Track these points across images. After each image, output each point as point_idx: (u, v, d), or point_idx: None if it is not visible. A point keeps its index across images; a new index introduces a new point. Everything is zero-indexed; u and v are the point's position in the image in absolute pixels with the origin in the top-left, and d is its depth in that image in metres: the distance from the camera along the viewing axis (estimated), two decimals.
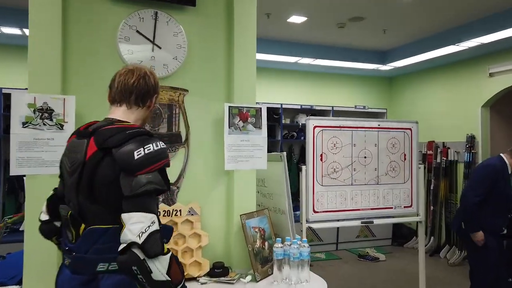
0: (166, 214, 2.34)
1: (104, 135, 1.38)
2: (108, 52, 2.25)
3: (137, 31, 2.29)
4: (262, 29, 4.88)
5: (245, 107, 2.51)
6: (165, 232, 1.50)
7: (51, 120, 2.07)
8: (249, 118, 2.52)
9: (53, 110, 2.06)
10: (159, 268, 1.27)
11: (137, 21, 2.29)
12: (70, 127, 2.09)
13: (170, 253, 1.33)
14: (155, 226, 1.33)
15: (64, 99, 2.09)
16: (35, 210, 1.90)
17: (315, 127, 3.38)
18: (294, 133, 6.35)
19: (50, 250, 1.92)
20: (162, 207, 2.34)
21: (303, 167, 3.32)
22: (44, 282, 1.98)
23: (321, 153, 3.42)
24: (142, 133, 1.41)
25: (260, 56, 5.57)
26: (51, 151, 2.06)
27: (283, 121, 6.20)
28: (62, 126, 2.09)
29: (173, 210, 2.37)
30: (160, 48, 2.34)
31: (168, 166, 1.46)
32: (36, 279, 2.01)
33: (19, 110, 2.01)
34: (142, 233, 1.27)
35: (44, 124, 2.05)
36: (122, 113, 1.49)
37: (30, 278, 2.01)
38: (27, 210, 2.05)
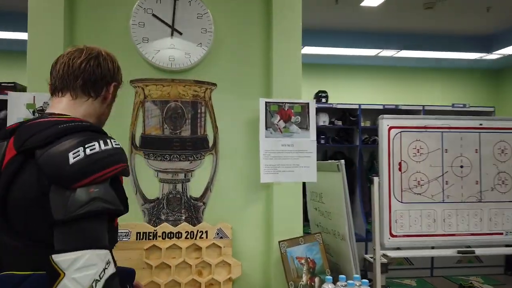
0: (189, 236, 1.90)
1: (25, 133, 0.96)
2: (121, 42, 1.90)
3: (153, 15, 1.91)
4: (329, 17, 4.25)
5: (287, 102, 1.96)
6: (125, 277, 1.05)
7: None
8: (292, 117, 1.97)
9: None
10: None
11: (153, 2, 1.91)
12: None
13: None
14: (111, 268, 0.90)
15: None
16: None
17: (390, 128, 2.66)
18: (376, 138, 5.53)
19: None
20: (184, 227, 1.90)
21: (375, 179, 2.63)
22: None
23: (400, 161, 2.67)
24: (83, 128, 0.98)
25: (329, 51, 4.94)
26: None
27: (362, 124, 5.44)
28: None
29: (197, 231, 1.92)
30: (180, 34, 1.93)
31: (126, 174, 1.00)
32: None
33: (16, 112, 1.75)
34: (96, 281, 0.85)
35: None
36: (65, 105, 1.06)
37: None
38: None
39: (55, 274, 0.84)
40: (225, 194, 1.98)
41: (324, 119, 5.10)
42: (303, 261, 1.89)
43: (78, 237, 0.88)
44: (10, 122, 1.75)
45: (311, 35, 4.70)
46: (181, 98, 1.95)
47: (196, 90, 1.96)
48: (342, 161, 2.03)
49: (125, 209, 1.01)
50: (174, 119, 1.94)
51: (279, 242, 1.85)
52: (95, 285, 0.84)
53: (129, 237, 1.87)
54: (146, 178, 1.92)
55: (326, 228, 2.23)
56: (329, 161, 2.23)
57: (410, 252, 2.78)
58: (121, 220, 1.82)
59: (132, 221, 1.88)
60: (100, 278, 0.85)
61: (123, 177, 1.05)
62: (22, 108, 1.75)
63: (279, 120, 1.95)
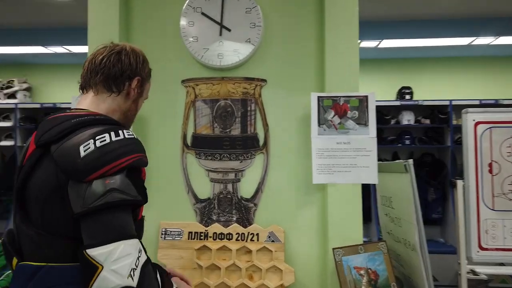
0: (239, 238, 1.84)
1: (43, 127, 0.99)
2: (173, 43, 1.93)
3: (202, 13, 1.90)
4: (411, 5, 3.87)
5: (343, 96, 1.79)
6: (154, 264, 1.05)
7: None
8: (348, 112, 1.79)
9: None
10: None
11: (202, 0, 1.90)
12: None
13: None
14: (143, 256, 0.93)
15: None
16: None
17: (477, 123, 2.29)
18: None
19: None
20: (235, 228, 1.85)
21: (459, 183, 2.28)
22: None
23: (490, 161, 2.28)
24: (96, 121, 0.98)
25: (412, 43, 4.50)
26: None
27: (454, 122, 4.85)
28: None
29: (248, 233, 1.84)
30: (229, 30, 1.89)
31: (143, 165, 0.99)
32: None
33: None
34: (133, 270, 0.88)
35: None
36: (89, 102, 1.07)
37: None
38: None
39: (93, 267, 0.85)
40: (277, 195, 1.88)
41: (409, 118, 4.66)
42: (362, 271, 1.70)
43: (106, 230, 0.89)
44: None
45: (390, 27, 4.34)
46: (230, 96, 1.91)
47: (245, 87, 1.90)
48: (410, 160, 1.78)
49: (144, 199, 0.98)
50: (224, 117, 1.91)
51: (333, 249, 1.68)
52: (133, 274, 0.86)
53: (181, 236, 1.87)
54: (198, 177, 1.91)
55: (397, 237, 1.99)
56: (396, 161, 1.99)
57: (506, 269, 2.36)
58: (174, 219, 1.84)
59: (184, 220, 1.89)
60: (136, 266, 0.87)
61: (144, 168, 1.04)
62: None
63: (333, 116, 1.79)
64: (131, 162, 0.95)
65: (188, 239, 1.87)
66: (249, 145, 1.89)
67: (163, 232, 1.88)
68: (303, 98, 1.83)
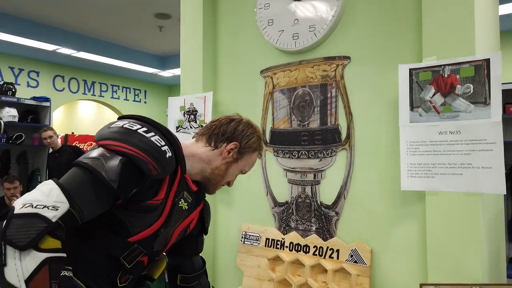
0: (317, 253, 1.52)
1: None
2: (252, 34, 1.78)
3: None
4: None
5: (449, 64, 1.23)
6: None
7: (196, 122, 1.88)
8: (457, 86, 1.22)
9: (197, 111, 1.87)
10: (19, 267, 0.78)
11: None
12: None
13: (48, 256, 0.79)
14: (50, 212, 0.81)
15: (205, 97, 1.84)
16: None
17: None
18: None
19: None
20: (313, 240, 1.54)
21: None
22: None
23: None
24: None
25: None
26: None
27: None
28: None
29: (327, 248, 1.51)
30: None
31: (143, 167, 0.88)
32: None
33: (174, 115, 1.97)
34: (26, 205, 0.81)
35: (190, 127, 1.90)
36: (188, 143, 1.08)
37: None
38: None
39: None
40: (364, 203, 1.46)
41: None
42: None
43: (66, 175, 0.88)
44: (170, 122, 1.98)
45: None
46: (309, 82, 1.60)
47: (325, 69, 1.56)
48: None
49: (114, 188, 0.86)
50: (302, 108, 1.62)
51: (421, 285, 1.16)
52: (23, 207, 0.79)
53: (259, 242, 1.70)
54: (276, 178, 1.69)
55: None
56: None
57: None
58: (254, 222, 1.70)
59: (264, 224, 1.71)
60: (31, 206, 0.79)
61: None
62: (177, 111, 1.95)
63: (434, 94, 1.25)
64: (130, 153, 0.88)
65: (265, 246, 1.67)
66: (329, 139, 1.55)
67: (243, 236, 1.74)
68: (395, 75, 1.36)
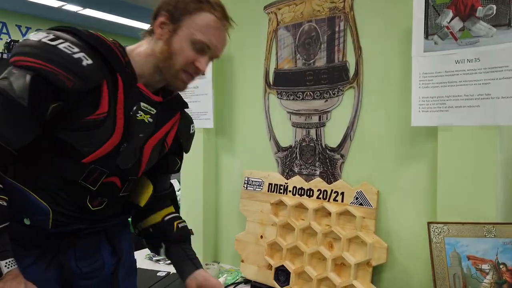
0: (321, 196, 1.46)
1: None
2: None
3: None
4: None
5: None
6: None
7: None
8: (479, 8, 1.09)
9: None
10: None
11: None
12: (209, 72, 1.72)
13: None
14: None
15: None
16: (189, 163, 1.78)
17: None
18: None
19: None
20: (317, 184, 1.48)
21: None
22: None
23: None
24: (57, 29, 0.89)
25: None
26: (196, 101, 1.79)
27: None
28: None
29: (331, 191, 1.44)
30: None
31: (59, 84, 0.80)
32: None
33: None
34: None
35: None
36: (135, 45, 0.99)
37: None
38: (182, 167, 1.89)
39: None
40: (371, 144, 1.37)
41: None
42: (486, 266, 1.05)
43: None
44: None
45: None
46: (315, 16, 1.49)
47: (333, 0, 1.44)
48: None
49: (31, 108, 0.80)
50: (308, 45, 1.51)
51: (429, 223, 1.10)
52: None
53: (261, 187, 1.64)
54: (279, 122, 1.61)
55: None
56: None
57: None
58: (257, 168, 1.64)
59: (266, 170, 1.65)
60: None
61: None
62: None
63: (451, 19, 1.13)
64: (38, 67, 0.80)
65: (268, 191, 1.62)
66: (336, 78, 1.45)
67: (246, 182, 1.69)
68: (410, 2, 1.23)
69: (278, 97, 1.61)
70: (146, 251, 1.93)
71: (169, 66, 0.94)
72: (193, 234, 1.20)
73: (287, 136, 1.59)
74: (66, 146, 0.87)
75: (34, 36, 0.84)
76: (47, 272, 0.94)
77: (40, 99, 0.81)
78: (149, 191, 1.09)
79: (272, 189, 1.61)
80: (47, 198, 0.90)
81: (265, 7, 1.63)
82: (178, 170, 1.20)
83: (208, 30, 0.93)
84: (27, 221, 0.91)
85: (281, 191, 1.58)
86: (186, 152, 1.17)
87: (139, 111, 0.93)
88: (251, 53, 1.70)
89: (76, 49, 0.84)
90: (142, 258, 1.93)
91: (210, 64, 1.63)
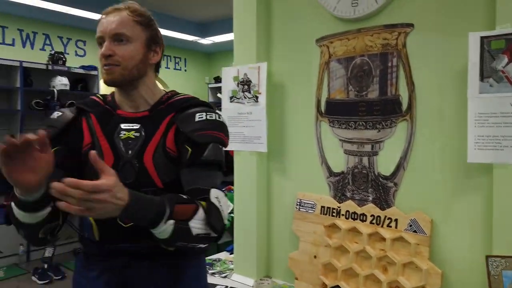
0: (374, 221, 1.56)
1: None
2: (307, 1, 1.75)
3: None
4: None
5: None
6: None
7: (250, 92, 1.90)
8: None
9: (251, 81, 1.89)
10: None
11: None
12: (263, 99, 1.83)
13: None
14: None
15: (259, 67, 1.85)
16: (243, 184, 1.96)
17: None
18: None
19: None
20: (370, 209, 1.57)
21: None
22: None
23: None
24: None
25: None
26: (250, 126, 1.90)
27: None
28: (257, 98, 1.87)
29: (385, 217, 1.54)
30: None
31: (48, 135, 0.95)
32: None
33: (228, 85, 2.00)
34: None
35: (244, 97, 1.93)
36: None
37: None
38: (236, 185, 2.02)
39: None
40: (424, 175, 1.45)
41: None
42: None
43: None
44: (224, 93, 2.01)
45: None
46: (368, 51, 1.57)
47: (386, 37, 1.52)
48: None
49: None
50: (360, 78, 1.60)
51: (488, 257, 1.18)
52: None
53: (314, 209, 1.75)
54: (331, 148, 1.71)
55: None
56: None
57: None
58: (308, 190, 1.75)
59: (318, 193, 1.75)
60: None
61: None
62: (231, 81, 1.98)
63: (507, 63, 1.20)
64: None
65: (321, 213, 1.72)
66: (389, 110, 1.53)
67: (298, 203, 1.80)
68: (464, 44, 1.30)
69: (330, 125, 1.71)
70: None
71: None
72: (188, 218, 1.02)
73: (339, 162, 1.69)
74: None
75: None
76: (106, 286, 1.09)
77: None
78: None
79: (325, 212, 1.71)
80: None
81: (317, 40, 1.72)
82: (194, 162, 1.08)
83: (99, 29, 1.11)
84: (85, 234, 1.13)
85: (333, 214, 1.69)
86: (195, 140, 1.08)
87: (122, 132, 1.10)
88: (303, 82, 1.80)
89: (56, 113, 1.16)
90: None
91: (264, 93, 1.77)
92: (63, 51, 5.13)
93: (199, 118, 1.10)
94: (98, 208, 0.81)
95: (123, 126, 1.10)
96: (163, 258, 1.10)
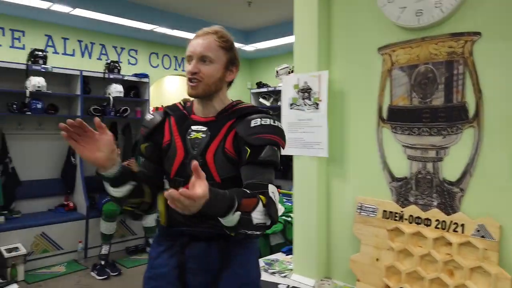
0: (439, 226, 1.59)
1: None
2: (370, 10, 1.81)
3: None
4: None
5: None
6: None
7: (310, 99, 1.98)
8: None
9: (311, 89, 1.97)
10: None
11: None
12: (324, 106, 1.91)
13: None
14: None
15: (319, 75, 1.93)
16: (302, 188, 2.04)
17: None
18: None
19: None
20: (435, 214, 1.60)
21: None
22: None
23: None
24: None
25: None
26: (310, 132, 1.98)
27: None
28: (317, 105, 1.94)
29: (451, 222, 1.56)
30: None
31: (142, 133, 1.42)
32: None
33: (288, 93, 2.09)
34: None
35: (304, 105, 2.01)
36: None
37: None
38: (296, 188, 2.10)
39: None
40: (492, 181, 1.47)
41: None
42: None
43: None
44: (284, 100, 2.10)
45: None
46: (432, 59, 1.61)
47: (451, 45, 1.55)
48: None
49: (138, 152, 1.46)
50: (424, 85, 1.64)
51: None
52: None
53: (375, 213, 1.80)
54: (394, 154, 1.75)
55: None
56: None
57: None
58: (369, 195, 1.81)
59: (379, 197, 1.80)
60: None
61: None
62: (291, 89, 2.06)
63: None
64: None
65: (382, 217, 1.77)
66: (454, 117, 1.56)
67: (359, 207, 1.85)
68: None
69: (392, 131, 1.75)
70: (262, 262, 2.17)
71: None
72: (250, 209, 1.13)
73: (402, 168, 1.73)
74: (166, 172, 1.35)
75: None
76: (170, 260, 1.33)
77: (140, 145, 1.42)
78: None
79: (387, 216, 1.75)
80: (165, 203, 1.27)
81: (379, 49, 1.78)
82: (254, 161, 1.22)
83: (189, 49, 1.30)
84: (157, 218, 1.43)
85: (396, 218, 1.72)
86: (253, 144, 1.23)
87: (192, 132, 1.32)
88: (363, 89, 1.85)
89: (149, 115, 1.43)
90: None
91: (325, 100, 1.84)
92: (117, 60, 5.44)
93: (254, 123, 1.26)
94: (193, 208, 0.95)
95: (193, 128, 1.33)
96: (216, 241, 1.30)
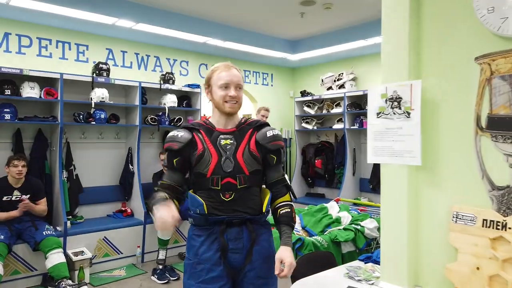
0: (495, 226, 1.58)
1: None
2: (465, 20, 1.83)
3: None
4: None
5: None
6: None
7: (400, 108, 2.01)
8: None
9: (401, 98, 2.00)
10: None
11: None
12: (416, 115, 1.93)
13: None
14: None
15: (411, 85, 1.96)
16: (391, 195, 2.07)
17: None
18: None
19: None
20: (491, 214, 1.59)
21: None
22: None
23: None
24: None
25: None
26: (400, 141, 2.01)
27: None
28: (409, 114, 1.97)
29: (505, 222, 1.55)
30: None
31: (173, 148, 1.87)
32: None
33: (374, 102, 2.12)
34: None
35: (394, 114, 2.04)
36: None
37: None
38: (383, 195, 2.12)
39: None
40: None
41: None
42: None
43: None
44: (370, 109, 2.14)
45: None
46: (501, 72, 1.61)
47: None
48: None
49: (166, 166, 1.95)
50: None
51: None
52: None
53: (474, 222, 1.79)
54: (494, 162, 1.75)
55: None
56: None
57: None
58: (464, 204, 1.81)
59: (477, 206, 1.79)
60: None
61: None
62: (378, 98, 2.10)
63: None
64: (165, 147, 1.93)
65: (482, 226, 1.76)
66: None
67: (455, 216, 1.86)
68: None
69: (492, 140, 1.76)
70: (344, 269, 2.19)
71: (218, 106, 1.87)
72: (294, 223, 1.90)
73: (504, 176, 1.72)
74: (200, 173, 1.82)
75: (170, 133, 1.92)
76: (212, 245, 1.79)
77: (170, 159, 1.89)
78: (267, 196, 1.88)
79: (488, 225, 1.75)
80: (202, 197, 1.81)
81: (477, 58, 1.79)
82: (278, 163, 1.94)
83: (222, 77, 1.84)
84: (197, 211, 1.81)
85: (498, 227, 1.72)
86: (271, 149, 1.89)
87: (221, 140, 1.83)
88: (458, 98, 1.86)
89: (177, 132, 1.88)
90: (341, 276, 2.19)
91: (418, 109, 1.86)
92: (171, 71, 5.64)
93: (269, 134, 1.90)
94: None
95: (222, 136, 1.85)
96: (245, 225, 1.81)
